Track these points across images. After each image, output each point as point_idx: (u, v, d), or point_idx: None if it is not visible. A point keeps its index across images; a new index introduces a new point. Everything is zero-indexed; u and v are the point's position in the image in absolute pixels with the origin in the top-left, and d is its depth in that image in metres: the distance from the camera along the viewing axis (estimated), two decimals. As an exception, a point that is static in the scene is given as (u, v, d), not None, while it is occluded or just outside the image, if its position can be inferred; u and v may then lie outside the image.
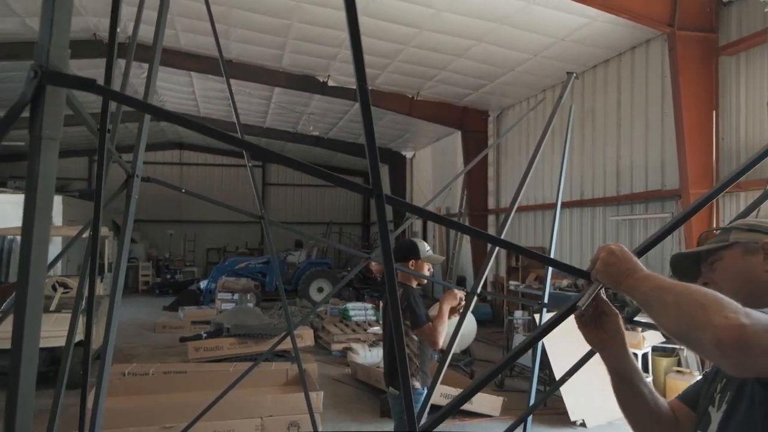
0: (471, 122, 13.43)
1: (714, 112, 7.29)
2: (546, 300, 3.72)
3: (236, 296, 12.30)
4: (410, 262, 3.54)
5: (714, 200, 7.31)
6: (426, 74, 11.21)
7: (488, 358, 9.13)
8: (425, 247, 3.62)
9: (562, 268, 1.45)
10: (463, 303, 3.37)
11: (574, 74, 4.26)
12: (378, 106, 12.68)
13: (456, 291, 3.44)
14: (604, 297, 1.46)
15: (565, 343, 6.26)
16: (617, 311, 1.45)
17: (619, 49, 9.15)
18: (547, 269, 3.61)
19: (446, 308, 3.35)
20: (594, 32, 8.58)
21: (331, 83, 11.81)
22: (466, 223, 14.83)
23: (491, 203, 13.72)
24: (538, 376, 7.32)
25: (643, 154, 8.79)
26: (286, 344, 8.29)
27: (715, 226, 7.25)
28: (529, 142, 11.98)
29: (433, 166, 17.49)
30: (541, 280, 10.39)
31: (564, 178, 4.02)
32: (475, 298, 3.30)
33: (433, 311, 3.73)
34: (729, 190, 7.13)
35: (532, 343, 1.43)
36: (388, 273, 1.04)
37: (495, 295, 12.93)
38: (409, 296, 3.43)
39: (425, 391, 3.46)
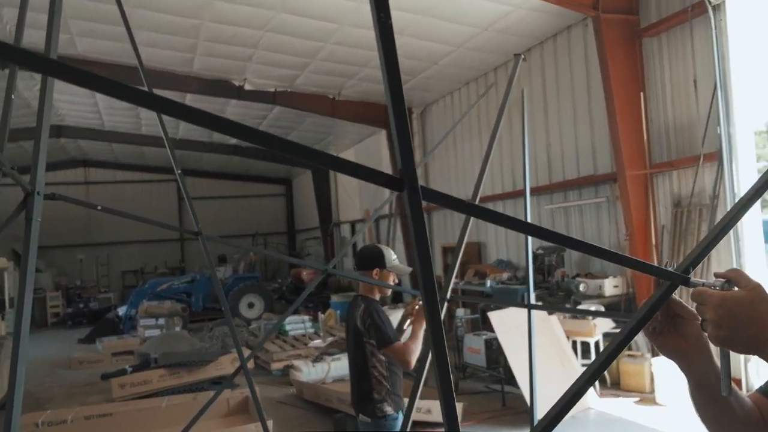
0: (395, 120, 13.13)
1: (641, 94, 7.34)
2: (531, 289, 3.41)
3: (161, 321, 11.37)
4: (374, 271, 3.12)
5: (648, 180, 7.36)
6: (347, 72, 10.81)
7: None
8: (391, 255, 3.21)
9: (646, 270, 1.09)
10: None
11: (522, 56, 4.00)
12: (299, 108, 12.17)
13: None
14: (677, 297, 1.15)
15: (521, 339, 6.05)
16: (696, 314, 1.12)
17: (541, 37, 9.13)
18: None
19: (421, 330, 2.95)
20: (517, 21, 8.48)
21: (247, 87, 11.18)
22: (396, 225, 14.57)
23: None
24: (493, 375, 7.04)
25: (573, 140, 8.80)
26: (222, 370, 7.64)
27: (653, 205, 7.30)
28: (455, 138, 11.83)
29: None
30: (480, 275, 10.24)
31: (528, 165, 3.73)
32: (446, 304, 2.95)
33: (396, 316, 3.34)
34: (662, 168, 7.20)
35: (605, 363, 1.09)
36: (427, 285, 0.68)
37: (471, 299, 12.67)
38: (372, 311, 3.01)
39: (400, 416, 3.06)
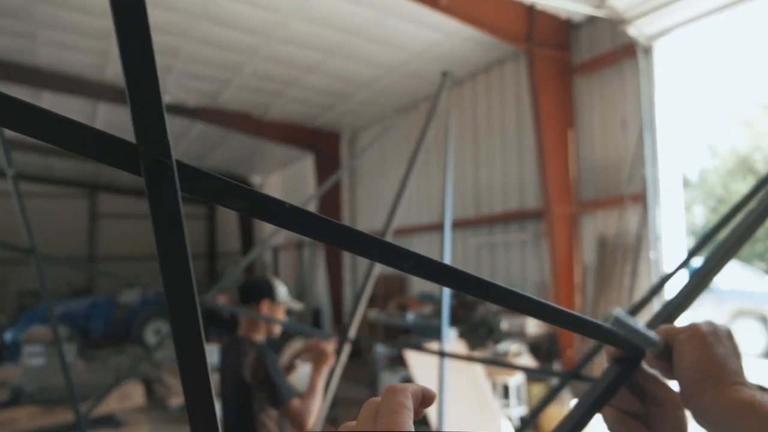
0: (324, 145, 12.74)
1: (571, 131, 7.27)
2: (446, 335, 3.02)
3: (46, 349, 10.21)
4: (264, 305, 2.62)
5: (574, 218, 7.24)
6: (275, 91, 10.34)
7: (353, 398, 8.29)
8: (282, 289, 2.72)
9: (594, 335, 0.71)
10: (332, 356, 2.50)
11: (449, 75, 3.67)
12: (222, 125, 11.55)
13: (326, 345, 2.55)
14: (651, 370, 0.76)
15: (434, 371, 5.66)
16: (680, 399, 0.72)
17: (474, 68, 9.02)
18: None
19: (321, 381, 2.47)
20: (450, 50, 8.32)
21: (167, 99, 10.47)
22: (321, 253, 14.04)
23: (347, 230, 13.08)
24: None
25: (502, 175, 8.65)
26: (112, 405, 6.83)
27: (574, 244, 7.17)
28: (384, 165, 11.53)
29: (284, 193, 16.52)
30: (403, 307, 9.85)
31: (449, 195, 3.38)
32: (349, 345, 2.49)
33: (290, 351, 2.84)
34: (588, 207, 7.09)
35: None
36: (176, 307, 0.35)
37: (373, 341, 12.16)
38: (267, 362, 2.47)
39: (289, 478, 2.54)
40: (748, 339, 10.19)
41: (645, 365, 0.77)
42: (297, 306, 2.79)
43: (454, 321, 8.30)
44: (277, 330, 2.66)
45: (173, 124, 12.28)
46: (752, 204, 0.88)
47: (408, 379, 6.53)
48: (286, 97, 10.58)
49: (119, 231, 21.24)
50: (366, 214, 12.51)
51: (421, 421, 6.08)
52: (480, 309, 8.20)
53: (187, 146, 14.35)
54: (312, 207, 13.92)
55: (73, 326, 12.43)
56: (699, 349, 0.65)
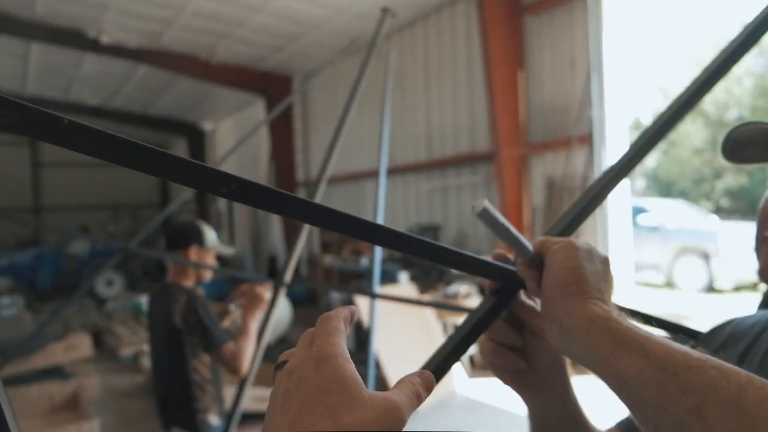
0: (275, 89, 12.38)
1: (521, 72, 7.22)
2: (377, 278, 3.03)
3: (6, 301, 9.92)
4: (192, 250, 2.54)
5: (523, 160, 7.29)
6: (221, 32, 9.90)
7: (306, 343, 8.36)
8: (212, 233, 2.64)
9: (476, 271, 0.68)
10: (265, 300, 2.48)
11: (389, 11, 3.53)
12: (167, 68, 11.07)
13: (261, 289, 2.52)
14: (530, 302, 0.75)
15: (389, 323, 5.74)
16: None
17: (425, 9, 8.80)
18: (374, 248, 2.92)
19: (255, 324, 2.44)
20: (400, -12, 8.08)
21: (105, 39, 9.92)
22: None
23: (300, 175, 12.93)
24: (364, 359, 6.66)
25: (453, 117, 8.60)
26: (59, 357, 6.74)
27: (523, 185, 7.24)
28: (337, 109, 11.31)
29: (237, 139, 16.12)
30: (358, 253, 9.89)
31: (386, 143, 3.32)
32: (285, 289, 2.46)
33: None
34: (537, 149, 7.14)
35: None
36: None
37: (305, 284, 12.22)
38: (198, 307, 2.41)
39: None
40: (691, 275, 10.66)
41: (524, 297, 0.75)
42: (227, 250, 2.73)
43: (407, 264, 8.39)
44: (206, 277, 2.60)
45: (114, 66, 11.71)
46: (648, 128, 0.86)
47: (360, 323, 6.61)
48: (233, 39, 10.16)
49: (65, 180, 20.49)
50: (320, 160, 12.36)
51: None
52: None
53: (131, 90, 13.77)
54: (265, 152, 13.67)
55: (18, 278, 12.11)
56: (569, 259, 0.63)
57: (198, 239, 2.55)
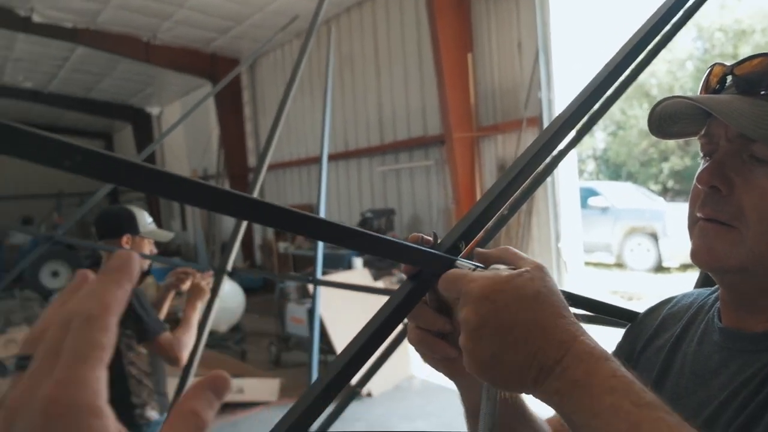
0: (223, 72, 12.02)
1: (469, 55, 7.20)
2: (320, 264, 2.97)
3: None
4: (124, 239, 2.41)
5: (474, 143, 7.31)
6: (161, 12, 9.53)
7: (263, 331, 8.26)
8: (146, 218, 2.50)
9: (396, 256, 0.62)
10: (206, 290, 2.38)
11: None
12: (106, 49, 10.61)
13: (200, 278, 2.42)
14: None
15: (342, 308, 5.68)
16: None
17: (374, -11, 8.68)
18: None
19: (195, 314, 2.34)
20: (349, -32, 7.92)
21: (36, 19, 9.40)
22: (226, 185, 13.56)
23: (252, 161, 12.67)
24: (319, 346, 6.64)
25: (404, 101, 8.54)
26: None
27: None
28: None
29: (185, 125, 15.65)
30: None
31: (328, 127, 3.24)
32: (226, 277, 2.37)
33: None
34: (487, 131, 7.16)
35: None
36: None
37: (251, 273, 12.04)
38: (131, 297, 2.29)
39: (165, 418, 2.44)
40: (640, 255, 10.96)
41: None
42: (165, 237, 2.59)
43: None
44: (144, 264, 2.47)
45: (49, 47, 11.15)
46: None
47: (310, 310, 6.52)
48: (174, 19, 9.79)
49: (3, 168, 19.55)
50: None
51: (330, 350, 6.12)
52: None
53: (70, 73, 13.16)
54: (215, 138, 13.32)
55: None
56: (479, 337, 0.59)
57: (130, 227, 2.40)
